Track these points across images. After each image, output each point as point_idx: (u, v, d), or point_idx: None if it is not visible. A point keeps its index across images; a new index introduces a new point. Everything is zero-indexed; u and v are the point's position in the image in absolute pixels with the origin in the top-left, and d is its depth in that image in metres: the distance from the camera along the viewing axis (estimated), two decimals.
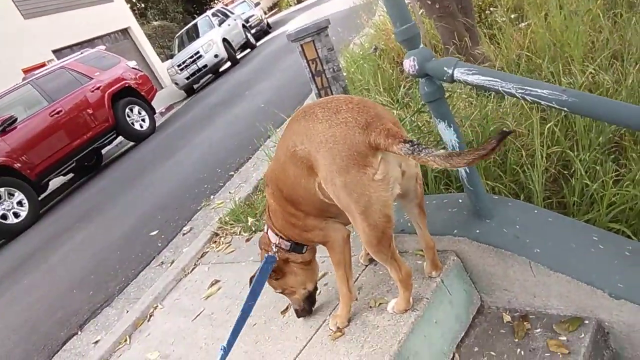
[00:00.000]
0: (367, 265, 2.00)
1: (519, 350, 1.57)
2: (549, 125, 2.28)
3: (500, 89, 1.38)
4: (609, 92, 2.52)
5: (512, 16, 4.07)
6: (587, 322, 1.54)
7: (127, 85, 9.75)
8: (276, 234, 1.77)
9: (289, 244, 1.75)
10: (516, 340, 1.61)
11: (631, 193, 1.84)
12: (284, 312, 2.01)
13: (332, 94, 4.35)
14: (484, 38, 3.95)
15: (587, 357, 1.47)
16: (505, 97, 2.76)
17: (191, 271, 3.16)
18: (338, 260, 1.70)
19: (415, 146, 1.31)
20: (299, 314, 1.88)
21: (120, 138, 10.25)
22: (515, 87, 1.34)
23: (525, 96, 1.33)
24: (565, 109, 1.27)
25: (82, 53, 10.07)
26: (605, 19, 3.33)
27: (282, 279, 1.81)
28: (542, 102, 1.30)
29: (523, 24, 3.92)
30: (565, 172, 2.22)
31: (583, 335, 1.51)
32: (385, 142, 1.34)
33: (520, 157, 2.29)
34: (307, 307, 1.87)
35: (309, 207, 1.64)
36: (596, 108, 1.26)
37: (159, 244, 4.16)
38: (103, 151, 10.59)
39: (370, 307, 1.72)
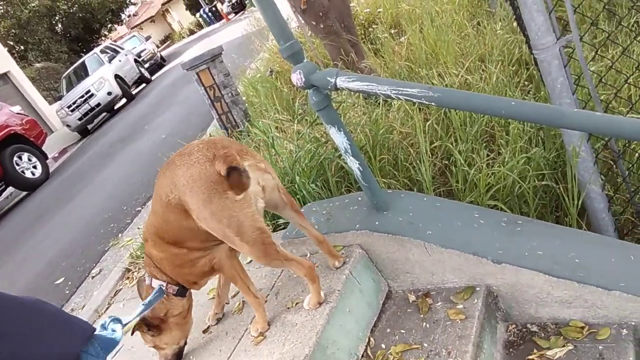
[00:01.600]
0: (215, 324, 2.04)
1: (424, 324, 1.73)
2: (429, 122, 2.54)
3: (377, 91, 1.55)
4: (478, 90, 2.85)
5: (392, 31, 4.45)
6: (478, 289, 1.74)
7: (12, 132, 9.06)
8: (162, 281, 1.78)
9: (177, 287, 1.80)
10: (422, 315, 1.77)
11: (501, 172, 2.11)
12: (205, 330, 2.03)
13: (233, 118, 4.45)
14: (369, 52, 4.26)
15: (482, 319, 1.66)
16: (393, 103, 3.02)
17: (105, 311, 3.03)
18: (232, 276, 1.82)
19: (236, 171, 1.49)
20: None
21: (10, 189, 9.47)
22: (389, 88, 1.52)
23: (399, 95, 1.51)
24: (433, 103, 1.46)
25: None
26: (470, 27, 3.77)
27: (158, 335, 1.83)
28: (414, 100, 1.49)
29: (402, 38, 4.29)
30: (448, 163, 2.48)
31: (476, 300, 1.70)
32: (221, 167, 1.49)
33: (409, 154, 2.52)
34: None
35: (195, 243, 1.71)
36: (457, 99, 1.47)
37: (67, 291, 3.93)
38: None
39: (288, 308, 1.80)
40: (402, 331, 1.74)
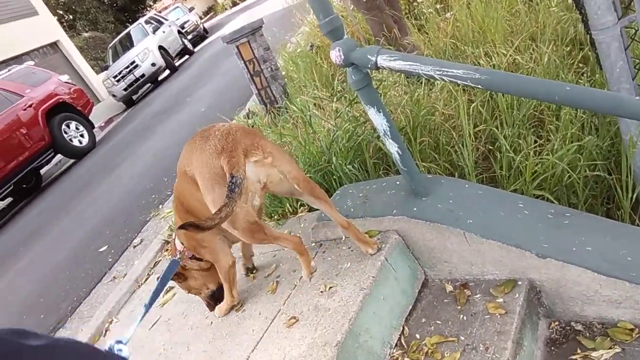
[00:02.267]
0: (251, 274, 2.28)
1: (462, 316, 1.68)
2: (473, 105, 2.43)
3: (420, 72, 1.47)
4: (527, 71, 2.70)
5: (438, 7, 4.26)
6: (520, 283, 1.67)
7: (61, 100, 9.35)
8: (181, 243, 2.04)
9: (192, 253, 2.03)
10: (459, 307, 1.72)
11: (550, 161, 2.00)
12: (238, 309, 2.04)
13: (272, 94, 4.41)
14: (412, 29, 4.11)
15: (523, 315, 1.59)
16: (435, 83, 2.91)
17: (145, 281, 3.12)
18: (224, 279, 2.03)
19: (232, 184, 1.56)
20: (208, 307, 2.18)
21: (59, 156, 9.84)
22: (433, 69, 1.44)
23: (443, 77, 1.43)
24: (479, 86, 1.37)
25: (9, 70, 9.57)
26: (521, 3, 3.56)
27: (184, 282, 2.13)
28: (459, 82, 1.41)
29: (448, 14, 4.11)
30: (493, 148, 2.37)
31: (517, 295, 1.63)
32: (226, 167, 1.61)
33: (451, 137, 2.42)
34: (212, 302, 2.16)
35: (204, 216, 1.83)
36: (505, 83, 1.38)
37: (110, 259, 4.07)
38: (42, 171, 10.12)
39: (322, 292, 1.78)
40: (438, 322, 1.69)
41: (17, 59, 15.43)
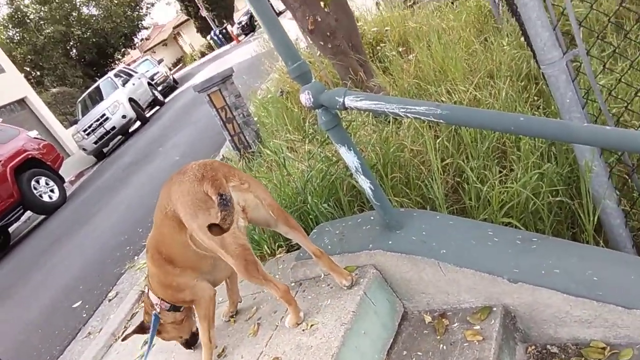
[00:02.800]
0: (232, 318, 2.28)
1: (441, 345, 1.70)
2: (439, 140, 2.54)
3: (386, 110, 1.56)
4: (487, 106, 2.85)
5: (400, 49, 4.48)
6: (495, 309, 1.71)
7: (30, 156, 9.22)
8: (156, 296, 2.05)
9: (168, 305, 2.04)
10: (438, 337, 1.75)
11: (514, 188, 2.09)
12: (220, 354, 2.02)
13: (245, 139, 4.49)
14: (377, 71, 4.29)
15: (500, 341, 1.63)
16: (403, 121, 3.03)
17: (122, 334, 3.04)
18: (203, 315, 1.99)
19: (222, 200, 1.62)
20: (186, 348, 2.24)
21: (28, 213, 9.60)
22: (397, 107, 1.52)
23: (407, 114, 1.51)
24: (441, 120, 1.46)
25: None
26: (478, 43, 3.78)
27: (159, 334, 2.15)
28: (422, 118, 1.49)
29: (410, 56, 4.31)
30: (461, 180, 2.46)
31: (493, 321, 1.67)
32: (210, 190, 1.66)
33: (421, 172, 2.51)
34: (192, 342, 2.23)
35: (185, 262, 1.92)
36: (465, 116, 1.47)
37: (84, 315, 3.96)
38: (10, 229, 9.82)
39: (303, 330, 1.79)
40: (419, 353, 1.72)
41: None
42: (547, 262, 1.64)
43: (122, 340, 2.18)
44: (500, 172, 2.32)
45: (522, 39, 3.37)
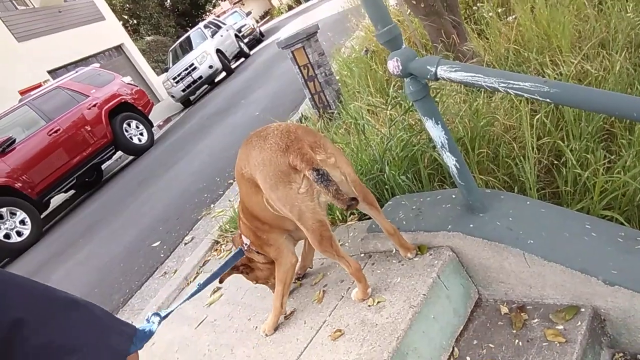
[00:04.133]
0: (298, 280, 2.28)
1: (517, 341, 1.58)
2: (538, 116, 2.30)
3: (483, 84, 1.40)
4: (597, 80, 2.54)
5: (499, 10, 4.10)
6: (583, 310, 1.55)
7: (123, 100, 9.79)
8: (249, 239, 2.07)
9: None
10: (514, 331, 1.62)
11: (622, 179, 1.85)
12: (287, 316, 2.02)
13: (325, 99, 4.40)
14: (472, 34, 3.98)
15: (585, 345, 1.48)
16: (495, 92, 2.79)
17: (193, 279, 3.18)
18: (281, 279, 1.98)
19: (319, 176, 1.56)
20: None
21: (119, 153, 10.29)
22: (497, 81, 1.36)
23: (508, 89, 1.34)
24: (547, 100, 1.28)
25: (76, 72, 10.13)
26: (590, 7, 3.36)
27: (251, 273, 2.17)
28: (525, 95, 1.32)
29: (510, 18, 3.94)
30: (557, 162, 2.23)
31: (580, 323, 1.52)
32: (301, 165, 1.59)
33: (512, 150, 2.31)
34: None
35: (267, 219, 1.90)
36: (578, 97, 1.27)
37: (162, 255, 4.19)
38: (103, 166, 10.63)
39: (369, 306, 1.73)
40: (491, 345, 1.61)
41: (85, 61, 16.35)
42: None
43: (220, 282, 2.22)
44: (605, 157, 2.06)
45: None
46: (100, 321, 1.25)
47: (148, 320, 1.51)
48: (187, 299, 1.85)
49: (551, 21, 3.32)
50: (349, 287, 1.93)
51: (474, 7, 4.72)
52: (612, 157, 2.10)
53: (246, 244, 2.06)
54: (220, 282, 2.23)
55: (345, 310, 1.80)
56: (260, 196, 1.78)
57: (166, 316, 1.60)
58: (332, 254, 1.74)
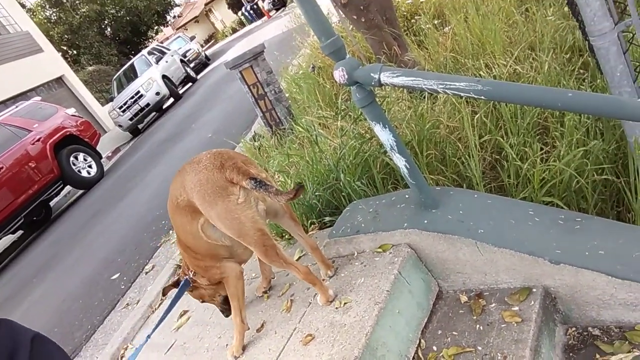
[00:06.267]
0: (265, 293, 2.31)
1: (478, 326, 1.67)
2: (477, 116, 2.45)
3: (423, 86, 1.50)
4: (529, 80, 2.73)
5: (435, 22, 4.33)
6: (534, 290, 1.66)
7: (68, 133, 9.48)
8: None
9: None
10: (474, 317, 1.72)
11: (557, 167, 2.01)
12: (258, 329, 2.04)
13: (277, 116, 4.46)
14: (412, 45, 4.17)
15: (540, 323, 1.59)
16: (438, 97, 2.95)
17: (158, 307, 3.13)
18: (232, 293, 2.01)
19: (257, 183, 1.68)
20: (225, 314, 2.20)
21: (68, 187, 9.94)
22: (436, 83, 1.46)
23: (446, 90, 1.45)
24: (482, 97, 1.40)
25: (16, 107, 9.74)
26: (518, 14, 3.61)
27: (196, 291, 2.16)
28: (462, 94, 1.43)
29: (446, 29, 4.17)
30: (499, 157, 2.38)
31: (533, 302, 1.63)
32: (237, 177, 1.70)
33: (458, 149, 2.44)
34: (227, 306, 2.16)
35: (200, 250, 1.96)
36: (508, 92, 1.40)
37: (122, 287, 4.09)
38: (52, 203, 10.21)
39: (337, 308, 1.78)
40: (455, 333, 1.69)
41: (24, 95, 15.74)
42: (592, 243, 1.57)
43: (163, 295, 2.26)
44: (541, 149, 2.23)
45: (567, 8, 3.20)
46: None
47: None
48: (140, 348, 1.89)
49: (484, 29, 3.55)
50: (316, 294, 1.97)
51: (412, 20, 4.95)
52: (548, 149, 2.27)
53: (192, 272, 2.09)
54: (164, 295, 2.30)
55: (314, 315, 1.85)
56: (194, 225, 1.85)
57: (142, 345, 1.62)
58: (279, 262, 1.82)
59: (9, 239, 9.99)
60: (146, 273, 4.05)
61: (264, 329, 2.01)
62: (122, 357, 2.81)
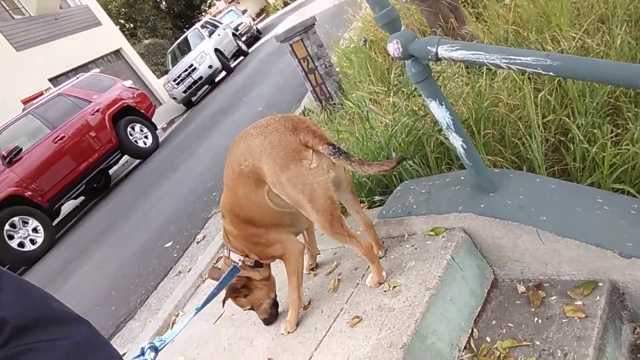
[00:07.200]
0: (312, 271, 2.27)
1: (536, 319, 1.58)
2: (541, 94, 2.29)
3: (485, 61, 1.39)
4: (599, 55, 2.52)
5: None
6: (601, 284, 1.55)
7: (125, 104, 9.79)
8: (239, 255, 1.96)
9: (253, 260, 1.97)
10: (532, 309, 1.62)
11: (631, 151, 1.85)
12: (305, 307, 2.03)
13: (327, 90, 4.39)
14: (469, 17, 3.95)
15: (605, 320, 1.48)
16: (498, 72, 2.78)
17: (207, 278, 3.20)
18: (292, 270, 1.93)
19: (337, 149, 1.61)
20: (268, 321, 2.09)
21: (125, 157, 10.32)
22: (499, 57, 1.35)
23: (510, 65, 1.34)
24: (550, 73, 1.27)
25: (77, 78, 10.14)
26: None
27: (249, 295, 2.04)
28: (528, 69, 1.31)
29: (507, 0, 3.91)
30: (564, 139, 2.22)
31: (598, 297, 1.52)
32: (313, 141, 1.64)
33: (518, 129, 2.30)
34: (274, 311, 2.11)
35: (265, 221, 1.86)
36: (582, 69, 1.27)
37: (175, 255, 4.22)
38: (110, 171, 10.66)
39: (385, 291, 1.74)
40: (510, 325, 1.61)
41: (84, 67, 16.37)
42: None
43: (223, 304, 2.07)
44: (612, 131, 2.05)
45: None
46: (87, 344, 1.11)
47: (143, 353, 1.44)
48: (184, 327, 1.79)
49: (549, 0, 3.30)
50: (364, 275, 1.94)
51: None
52: (619, 131, 2.09)
53: (240, 260, 1.96)
54: (223, 304, 2.09)
55: (362, 297, 1.81)
56: (260, 192, 1.74)
57: (162, 348, 1.53)
58: (343, 235, 1.74)
59: (71, 204, 10.55)
60: (197, 242, 4.16)
61: (311, 307, 2.00)
62: (173, 323, 2.90)
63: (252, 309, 2.09)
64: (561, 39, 2.84)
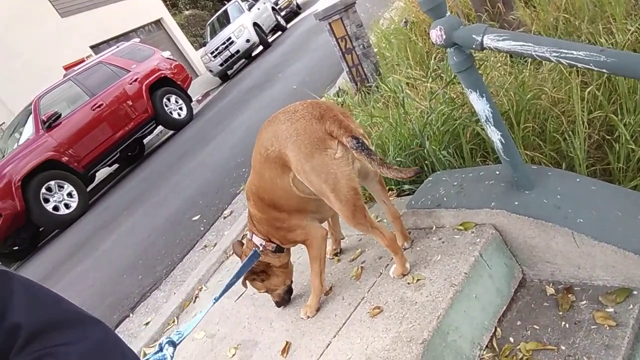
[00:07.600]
0: (336, 256, 2.26)
1: (563, 323, 1.53)
2: (589, 89, 2.17)
3: (533, 53, 1.32)
4: None
5: None
6: (635, 292, 1.48)
7: (163, 75, 9.92)
8: (262, 239, 1.97)
9: (274, 245, 1.97)
10: (560, 313, 1.57)
11: None
12: (327, 293, 2.02)
13: (363, 72, 4.31)
14: (518, 2, 3.78)
15: (637, 329, 1.42)
16: (543, 63, 2.66)
17: (232, 253, 3.23)
18: (315, 256, 1.93)
19: (360, 144, 1.59)
20: (279, 304, 2.14)
21: (160, 127, 10.50)
22: (549, 50, 1.27)
23: (560, 59, 1.26)
24: (604, 70, 1.19)
25: (117, 47, 10.31)
26: None
27: (266, 280, 2.06)
28: (579, 65, 1.23)
29: None
30: (609, 137, 2.12)
31: (631, 306, 1.45)
32: (338, 132, 1.61)
33: (561, 124, 2.20)
34: (287, 297, 2.14)
35: (290, 206, 1.85)
36: (638, 68, 1.18)
37: (202, 228, 4.28)
38: (145, 141, 10.89)
39: (408, 283, 1.71)
40: (536, 327, 1.56)
41: (125, 36, 16.62)
42: None
43: (243, 284, 2.11)
44: None
45: None
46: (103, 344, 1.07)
47: (161, 348, 1.42)
48: (201, 318, 1.79)
49: None
50: (387, 264, 1.91)
51: None
52: None
53: (261, 244, 1.97)
54: (244, 285, 2.13)
55: (384, 287, 1.79)
56: (286, 178, 1.73)
57: (180, 342, 1.51)
58: (366, 226, 1.73)
59: (106, 171, 10.85)
60: (224, 218, 4.20)
61: (332, 293, 1.99)
62: (196, 297, 2.95)
63: (266, 292, 2.12)
64: (616, 31, 2.68)
